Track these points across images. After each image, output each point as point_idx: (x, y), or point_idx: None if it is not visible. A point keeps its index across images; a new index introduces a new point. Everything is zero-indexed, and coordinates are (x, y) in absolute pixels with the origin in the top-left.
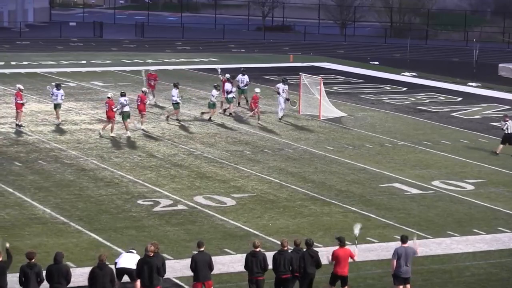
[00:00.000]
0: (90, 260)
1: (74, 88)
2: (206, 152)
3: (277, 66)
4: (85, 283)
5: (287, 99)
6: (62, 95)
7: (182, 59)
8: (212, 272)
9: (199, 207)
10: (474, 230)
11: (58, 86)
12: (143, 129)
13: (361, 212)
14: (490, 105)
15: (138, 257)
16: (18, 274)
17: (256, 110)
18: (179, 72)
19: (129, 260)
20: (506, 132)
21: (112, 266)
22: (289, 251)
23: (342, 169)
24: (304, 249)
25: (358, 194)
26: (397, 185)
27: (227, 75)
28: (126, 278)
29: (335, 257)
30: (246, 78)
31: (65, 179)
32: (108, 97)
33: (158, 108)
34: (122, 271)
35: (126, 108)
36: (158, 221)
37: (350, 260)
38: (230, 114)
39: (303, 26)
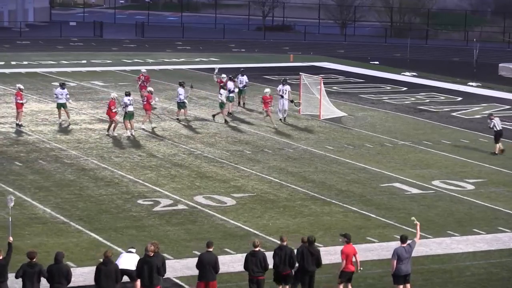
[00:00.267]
0: (90, 260)
1: (74, 88)
2: (206, 151)
3: (277, 66)
4: (85, 283)
5: (291, 101)
6: (66, 94)
7: (182, 59)
8: None
9: (199, 206)
10: (474, 230)
11: (62, 86)
12: (143, 129)
13: (361, 211)
14: (490, 105)
15: (138, 258)
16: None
17: (267, 110)
18: (179, 72)
19: (129, 261)
20: (495, 129)
21: None
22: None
23: (342, 169)
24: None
25: (358, 193)
26: (397, 185)
27: (223, 75)
28: (126, 278)
29: (345, 254)
30: (245, 78)
31: (65, 179)
32: (112, 98)
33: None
34: (122, 272)
35: (130, 108)
36: (158, 220)
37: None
38: (229, 113)
39: (303, 26)
